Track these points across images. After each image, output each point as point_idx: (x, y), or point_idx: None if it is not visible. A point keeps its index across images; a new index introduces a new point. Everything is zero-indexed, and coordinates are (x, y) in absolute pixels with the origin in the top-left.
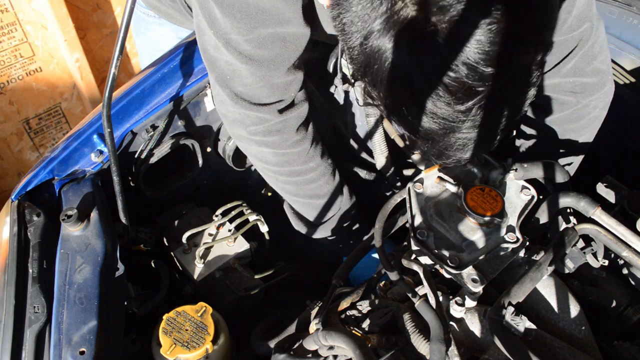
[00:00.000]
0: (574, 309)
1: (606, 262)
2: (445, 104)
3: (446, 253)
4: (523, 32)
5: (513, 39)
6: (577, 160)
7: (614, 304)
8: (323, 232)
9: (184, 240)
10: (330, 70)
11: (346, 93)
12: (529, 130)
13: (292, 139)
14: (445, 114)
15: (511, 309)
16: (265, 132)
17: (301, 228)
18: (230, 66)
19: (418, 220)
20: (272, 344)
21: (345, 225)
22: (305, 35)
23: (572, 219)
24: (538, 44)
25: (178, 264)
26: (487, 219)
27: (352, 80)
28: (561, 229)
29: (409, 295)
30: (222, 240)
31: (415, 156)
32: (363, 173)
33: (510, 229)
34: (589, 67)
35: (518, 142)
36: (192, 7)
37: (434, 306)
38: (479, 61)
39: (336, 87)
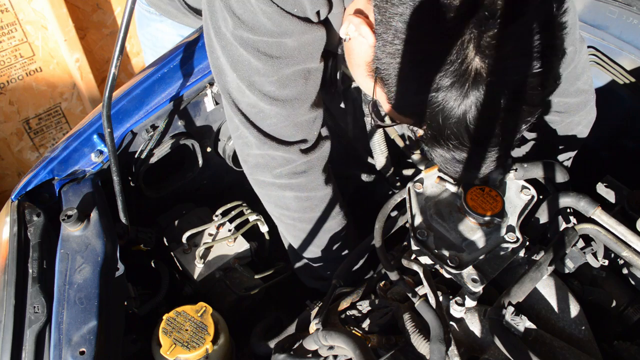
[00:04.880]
0: (574, 309)
1: (606, 262)
2: (496, 138)
3: (446, 253)
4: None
5: (551, 80)
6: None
7: (614, 304)
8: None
9: (184, 240)
10: (330, 71)
11: (346, 94)
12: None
13: (318, 180)
14: (495, 143)
15: (511, 309)
16: (291, 174)
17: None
18: (253, 108)
19: (418, 220)
20: (272, 344)
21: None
22: (321, 69)
23: (572, 219)
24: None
25: (178, 264)
26: (487, 218)
27: (351, 81)
28: (561, 229)
29: (409, 295)
30: (222, 240)
31: (415, 156)
32: (363, 174)
33: (510, 228)
34: (572, 87)
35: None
36: (209, 47)
37: (434, 306)
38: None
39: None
